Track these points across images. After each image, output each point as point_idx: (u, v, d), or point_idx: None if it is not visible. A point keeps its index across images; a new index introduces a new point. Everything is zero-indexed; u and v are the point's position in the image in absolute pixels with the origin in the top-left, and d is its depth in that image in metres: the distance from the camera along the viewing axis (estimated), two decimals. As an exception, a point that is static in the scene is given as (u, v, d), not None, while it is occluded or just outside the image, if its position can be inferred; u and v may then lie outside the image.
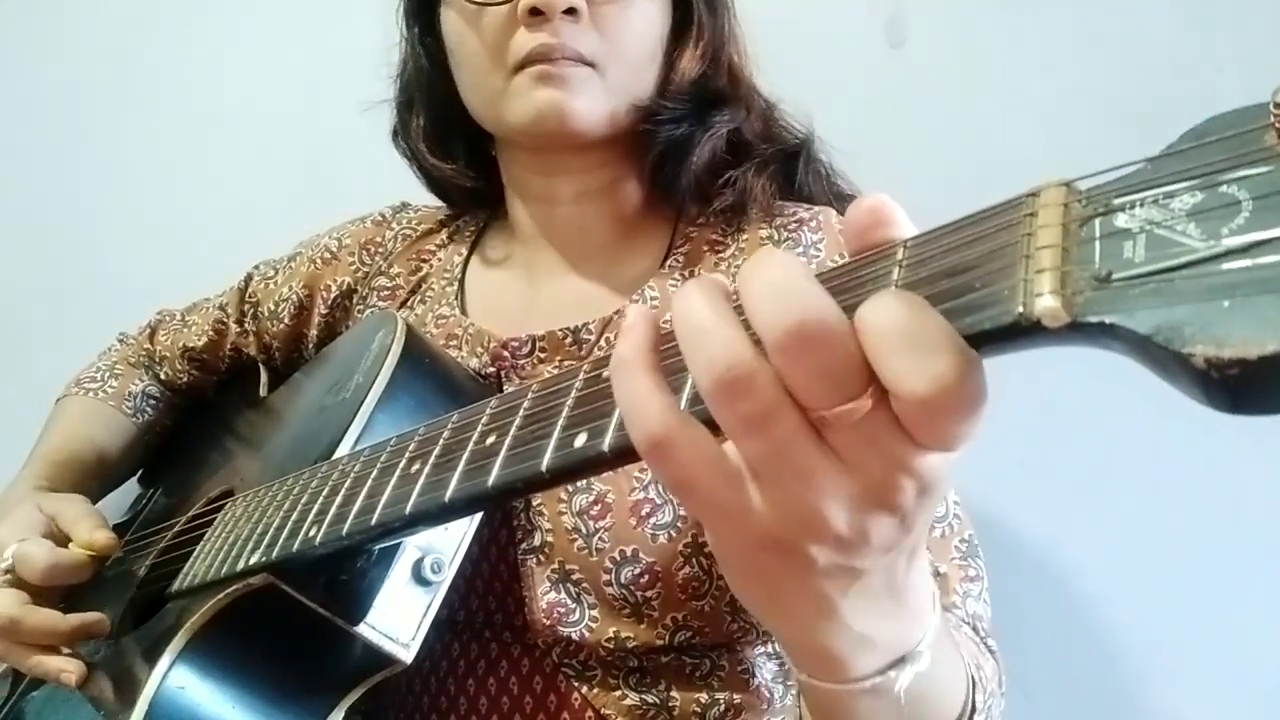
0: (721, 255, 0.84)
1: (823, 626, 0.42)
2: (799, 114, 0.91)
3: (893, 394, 0.32)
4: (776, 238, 0.83)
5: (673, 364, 0.39)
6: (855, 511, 0.36)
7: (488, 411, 0.52)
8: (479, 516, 0.70)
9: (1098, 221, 0.31)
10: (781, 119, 0.91)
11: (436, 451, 0.54)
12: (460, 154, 0.94)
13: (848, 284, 0.36)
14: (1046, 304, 0.30)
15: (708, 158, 0.84)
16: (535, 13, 0.77)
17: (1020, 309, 0.30)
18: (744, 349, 0.34)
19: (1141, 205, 0.30)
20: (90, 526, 0.85)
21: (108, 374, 1.08)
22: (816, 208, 0.86)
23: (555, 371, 0.80)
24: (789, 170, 0.89)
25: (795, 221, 0.84)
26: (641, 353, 0.38)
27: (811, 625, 0.42)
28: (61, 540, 0.85)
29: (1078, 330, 0.29)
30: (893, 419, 0.34)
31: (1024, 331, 0.31)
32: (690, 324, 0.36)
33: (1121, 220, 0.30)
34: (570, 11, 0.78)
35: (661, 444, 0.37)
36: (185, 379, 1.09)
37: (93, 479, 0.99)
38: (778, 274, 0.34)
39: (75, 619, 0.78)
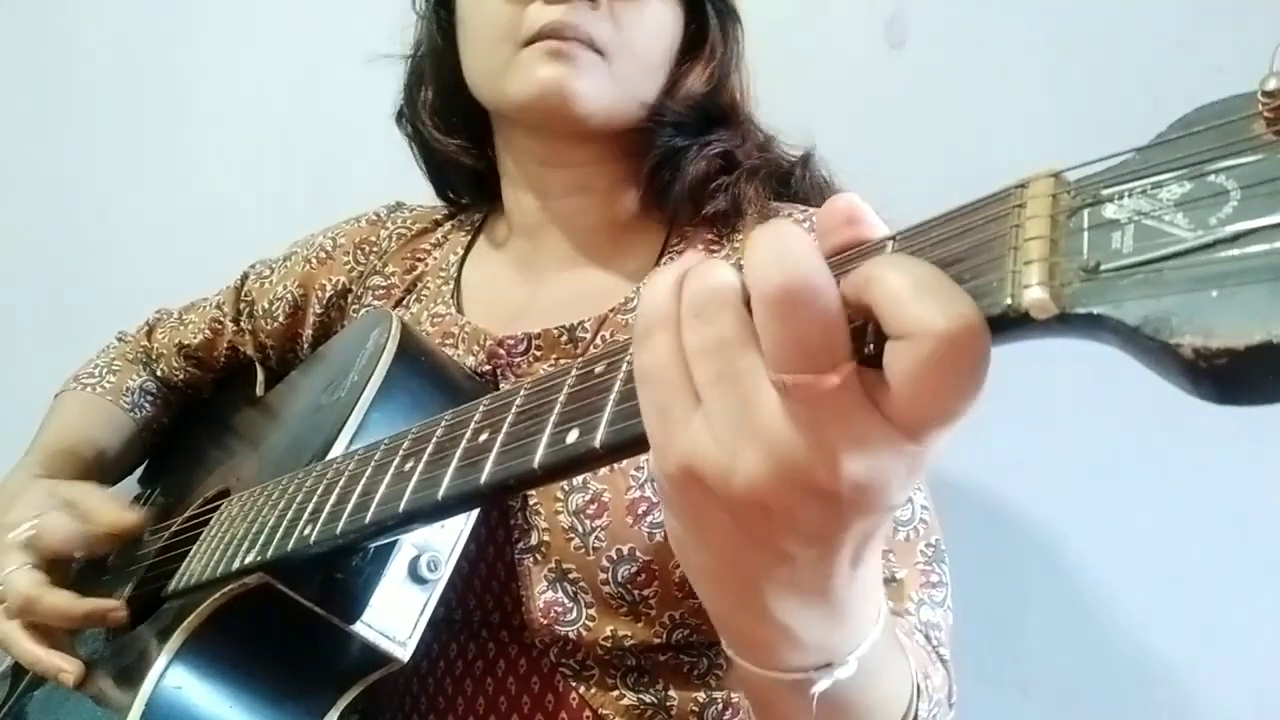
0: (716, 255, 0.84)
1: (746, 606, 0.41)
2: (798, 127, 0.92)
3: (907, 335, 0.31)
4: (773, 238, 0.83)
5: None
6: (782, 481, 0.35)
7: (481, 409, 0.52)
8: (476, 514, 0.69)
9: (1086, 212, 0.30)
10: (778, 149, 0.92)
11: (430, 449, 0.54)
12: (463, 133, 0.94)
13: (838, 276, 0.36)
14: (1035, 295, 0.30)
15: (703, 169, 0.85)
16: None
17: (1009, 301, 0.30)
18: (729, 280, 0.37)
19: (1130, 195, 0.30)
20: (116, 508, 0.85)
21: (106, 370, 1.08)
22: (811, 209, 0.86)
23: (551, 369, 0.80)
24: (786, 176, 0.90)
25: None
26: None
27: (736, 601, 0.42)
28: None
29: (1066, 322, 0.29)
30: (854, 399, 0.34)
31: (1013, 323, 0.30)
32: (645, 316, 0.39)
33: (1110, 211, 0.30)
34: None
35: (650, 329, 0.39)
36: (182, 376, 1.09)
37: (91, 472, 0.99)
38: (781, 237, 0.35)
39: (90, 603, 0.78)
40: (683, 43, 0.87)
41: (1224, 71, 1.08)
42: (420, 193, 1.00)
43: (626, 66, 0.81)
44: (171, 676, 0.64)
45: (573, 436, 0.43)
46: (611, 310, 0.82)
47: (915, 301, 0.31)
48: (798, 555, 0.38)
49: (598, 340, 0.81)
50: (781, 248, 0.34)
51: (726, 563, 0.41)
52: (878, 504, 0.37)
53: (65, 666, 0.77)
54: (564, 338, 0.81)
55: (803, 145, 0.92)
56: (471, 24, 0.85)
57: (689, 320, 0.37)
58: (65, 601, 0.78)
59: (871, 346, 0.33)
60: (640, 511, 0.73)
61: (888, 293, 0.32)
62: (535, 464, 0.44)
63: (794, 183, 0.90)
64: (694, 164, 0.84)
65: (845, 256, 0.38)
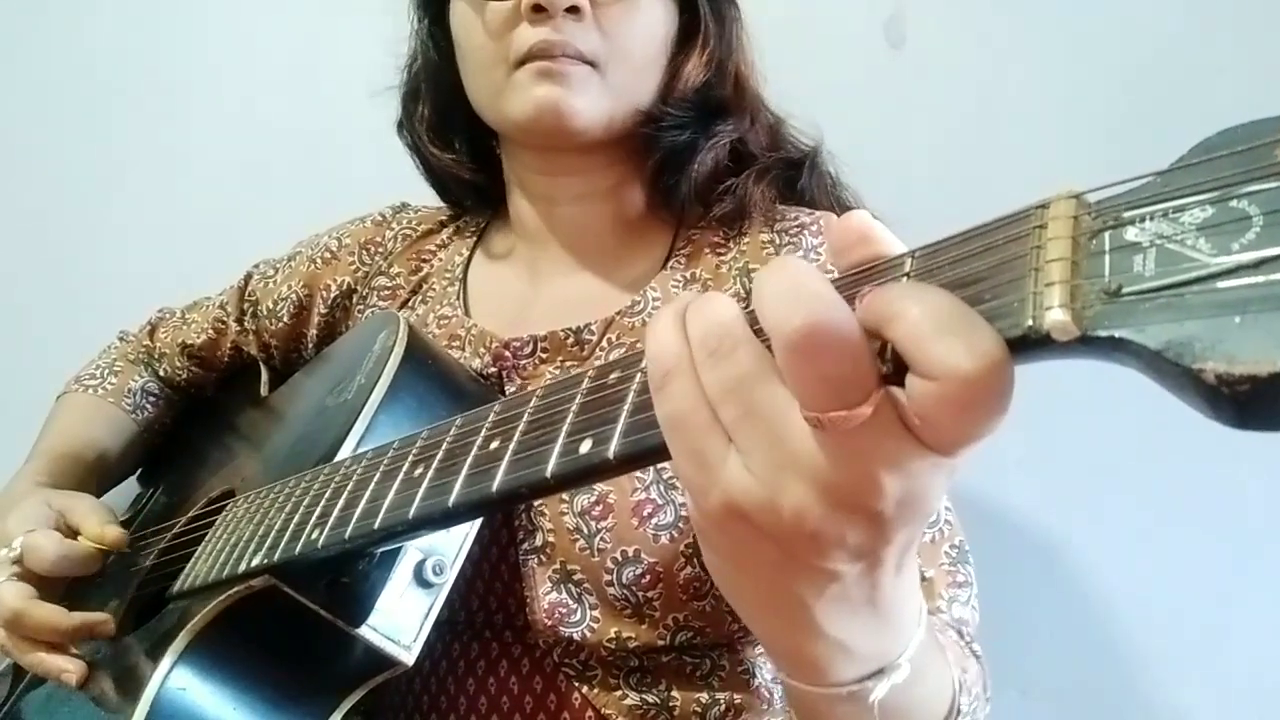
0: (723, 258, 0.84)
1: (797, 628, 0.41)
2: (807, 124, 0.92)
3: (933, 377, 0.31)
4: (778, 242, 0.83)
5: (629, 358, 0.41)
6: (829, 508, 0.36)
7: (491, 416, 0.51)
8: (481, 518, 0.70)
9: (1108, 234, 0.30)
10: (789, 134, 0.91)
11: (440, 456, 0.53)
12: (461, 147, 0.94)
13: (855, 295, 0.36)
14: (1056, 317, 0.30)
15: (710, 167, 0.84)
16: (538, 9, 0.78)
17: (1030, 322, 0.30)
18: (733, 312, 0.37)
19: (1152, 219, 0.30)
20: (100, 521, 0.85)
21: (108, 371, 1.08)
22: (818, 212, 0.86)
23: (557, 372, 0.80)
24: (792, 177, 0.90)
25: (796, 226, 0.84)
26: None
27: (786, 624, 0.42)
28: (70, 534, 0.85)
29: (1087, 344, 0.29)
30: (888, 423, 0.34)
31: (1033, 344, 0.30)
32: (661, 360, 0.38)
33: (1131, 234, 0.30)
34: (573, 10, 0.78)
35: (667, 377, 0.38)
36: (184, 376, 1.09)
37: (93, 475, 0.99)
38: (792, 275, 0.34)
39: (79, 617, 0.78)
40: (678, 32, 0.86)
41: (1224, 72, 1.08)
42: (425, 193, 1.00)
43: (620, 73, 0.81)
44: (176, 678, 0.64)
45: (586, 447, 0.43)
46: (618, 313, 0.82)
47: (938, 342, 0.31)
48: (846, 572, 0.39)
49: (604, 342, 0.81)
50: (795, 286, 0.34)
51: (775, 589, 0.41)
52: (920, 513, 0.38)
53: (67, 667, 0.76)
54: (570, 340, 0.81)
55: (812, 137, 0.92)
56: (465, 46, 0.85)
57: (703, 360, 0.37)
58: (53, 616, 0.78)
59: (890, 366, 0.33)
60: (645, 514, 0.73)
61: (909, 332, 0.32)
62: (548, 473, 0.44)
63: (801, 184, 0.90)
64: (700, 158, 0.84)
65: (862, 274, 0.38)
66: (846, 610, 0.41)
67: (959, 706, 0.54)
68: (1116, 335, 0.28)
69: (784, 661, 0.46)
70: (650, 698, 0.75)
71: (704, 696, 0.76)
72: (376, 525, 0.55)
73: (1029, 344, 0.31)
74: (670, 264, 0.85)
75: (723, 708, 0.76)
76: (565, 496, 0.75)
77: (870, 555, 0.38)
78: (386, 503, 0.55)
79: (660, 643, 0.74)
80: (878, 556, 0.39)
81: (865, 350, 0.33)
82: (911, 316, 0.32)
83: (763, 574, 0.40)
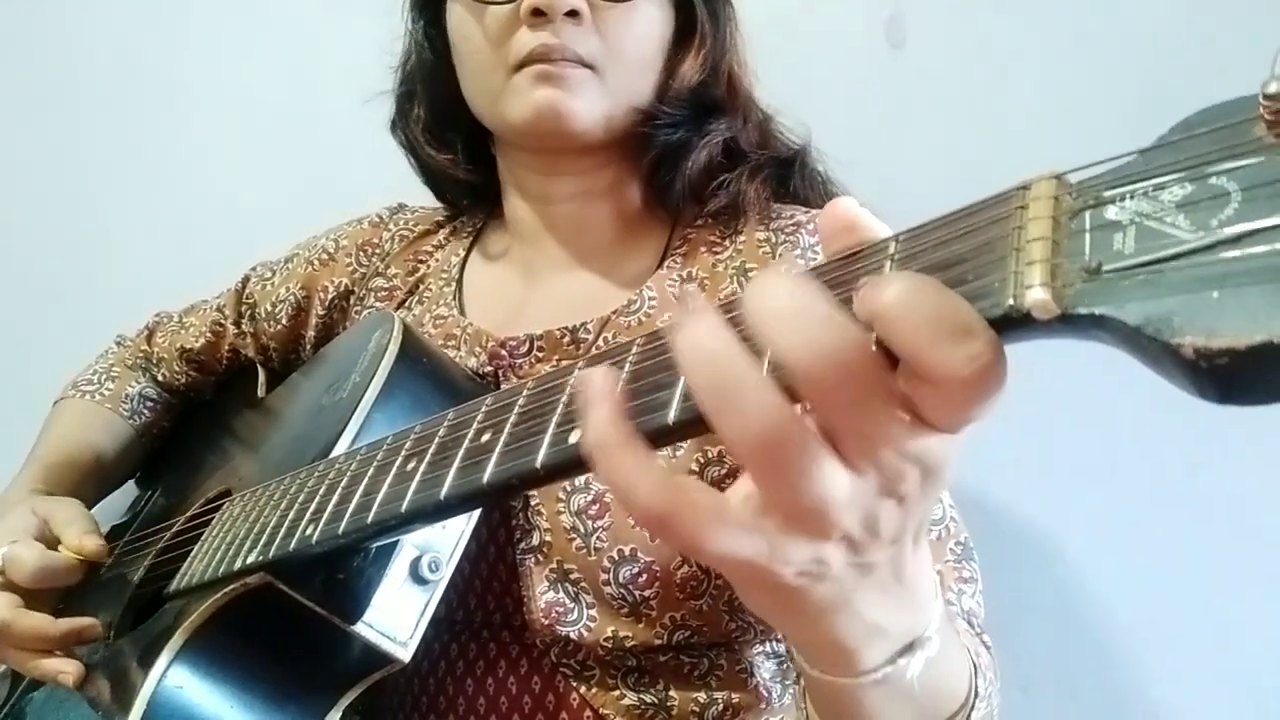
0: (719, 256, 0.84)
1: (835, 622, 0.42)
2: (797, 120, 0.92)
3: (932, 381, 0.32)
4: (774, 240, 0.83)
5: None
6: (865, 510, 0.37)
7: (483, 409, 0.52)
8: (477, 514, 0.70)
9: (1088, 214, 0.31)
10: (778, 130, 0.92)
11: (432, 449, 0.54)
12: (457, 147, 0.94)
13: (841, 278, 0.36)
14: (1037, 296, 0.30)
15: (703, 163, 0.85)
16: (537, 13, 0.78)
17: (1011, 301, 0.31)
18: (779, 405, 0.34)
19: (1131, 197, 0.30)
20: (80, 531, 0.85)
21: (105, 376, 1.08)
22: (813, 210, 0.87)
23: (553, 369, 0.80)
24: (784, 176, 0.90)
25: (793, 224, 0.84)
26: (614, 429, 0.37)
27: (825, 623, 0.42)
28: (53, 543, 0.85)
29: (1068, 322, 0.30)
30: (899, 423, 0.34)
31: (1015, 324, 0.31)
32: (718, 374, 0.34)
33: (1112, 212, 0.30)
34: (572, 14, 0.78)
35: (665, 518, 0.36)
36: (183, 380, 1.09)
37: (90, 482, 0.99)
38: (794, 301, 0.33)
39: (66, 624, 0.78)
40: (674, 33, 0.86)
41: (1226, 72, 1.08)
42: (422, 194, 1.00)
43: (618, 75, 0.81)
44: (173, 676, 0.64)
45: (575, 437, 0.43)
46: (614, 312, 0.82)
47: (935, 351, 0.32)
48: (882, 562, 0.40)
49: (600, 342, 0.81)
50: (803, 319, 0.33)
51: (814, 601, 0.40)
52: (939, 484, 0.39)
53: (64, 668, 0.77)
54: (566, 339, 0.81)
55: (799, 135, 0.92)
56: (463, 49, 0.86)
57: (759, 473, 0.36)
58: (40, 624, 0.78)
59: (880, 350, 0.34)
60: None
61: (905, 338, 0.32)
62: (538, 464, 0.44)
63: (793, 182, 0.90)
64: (694, 156, 0.84)
65: (848, 258, 0.38)
66: (877, 591, 0.41)
67: (976, 688, 0.54)
68: (1096, 312, 0.29)
69: (817, 656, 0.45)
70: (648, 697, 0.75)
71: (702, 696, 0.76)
72: (370, 520, 0.55)
73: (1010, 323, 0.31)
74: (667, 263, 0.85)
75: (720, 707, 0.76)
76: (562, 495, 0.75)
77: (902, 537, 0.39)
78: (380, 497, 0.55)
79: (657, 642, 0.74)
80: (906, 534, 0.40)
81: (885, 370, 0.34)
82: (908, 321, 0.32)
83: (803, 592, 0.40)
